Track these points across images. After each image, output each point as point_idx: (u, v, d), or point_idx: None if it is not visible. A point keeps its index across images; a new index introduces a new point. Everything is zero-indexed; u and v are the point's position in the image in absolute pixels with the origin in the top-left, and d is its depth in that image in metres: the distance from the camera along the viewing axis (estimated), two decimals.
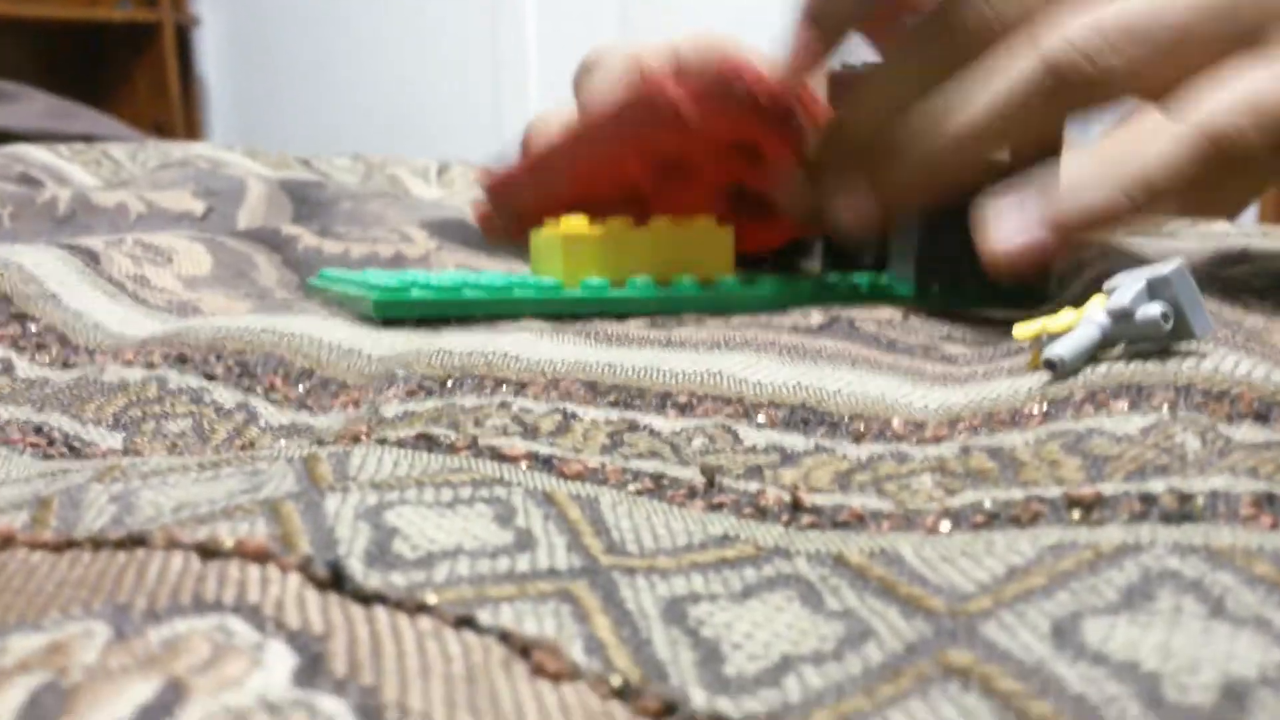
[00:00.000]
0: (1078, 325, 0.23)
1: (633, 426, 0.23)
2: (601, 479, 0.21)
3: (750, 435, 0.23)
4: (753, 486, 0.20)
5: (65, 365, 0.31)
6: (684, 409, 0.24)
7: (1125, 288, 0.23)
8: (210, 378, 0.28)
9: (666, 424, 0.23)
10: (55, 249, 0.38)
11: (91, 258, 0.39)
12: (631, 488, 0.20)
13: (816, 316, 0.32)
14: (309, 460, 0.21)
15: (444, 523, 0.18)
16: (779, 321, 0.32)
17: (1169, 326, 0.22)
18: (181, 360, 0.29)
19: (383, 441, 0.22)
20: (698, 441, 0.22)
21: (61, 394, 0.27)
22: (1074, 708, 0.13)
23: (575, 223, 0.35)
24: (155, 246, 0.41)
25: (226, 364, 0.28)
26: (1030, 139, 0.31)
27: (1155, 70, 0.29)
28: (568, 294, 0.33)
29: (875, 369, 0.26)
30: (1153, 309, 0.22)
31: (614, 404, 0.24)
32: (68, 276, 0.37)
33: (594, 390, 0.25)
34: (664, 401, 0.24)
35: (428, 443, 0.22)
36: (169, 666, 0.14)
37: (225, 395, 0.27)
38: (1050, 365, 0.23)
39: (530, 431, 0.23)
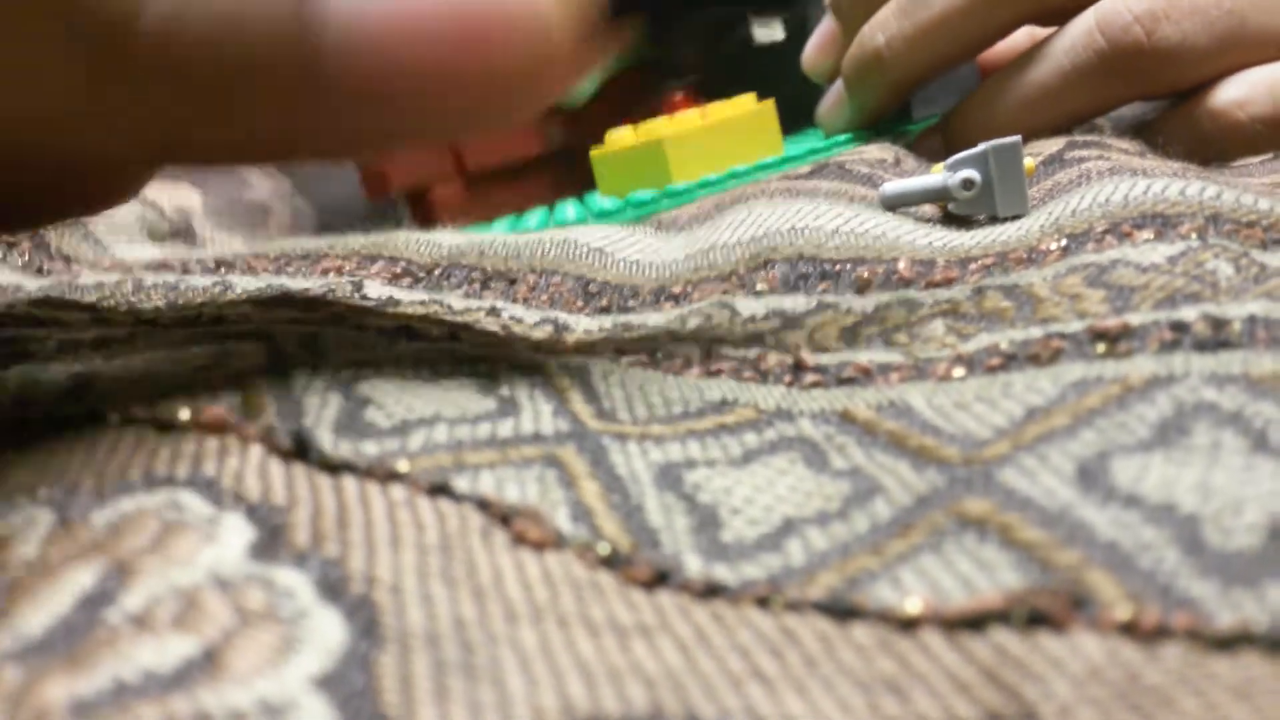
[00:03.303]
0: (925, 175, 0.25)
1: (627, 328, 0.22)
2: (592, 354, 0.19)
3: (749, 306, 0.21)
4: (752, 353, 0.19)
5: (39, 272, 0.29)
6: (679, 298, 0.23)
7: (962, 154, 0.24)
8: (187, 271, 0.27)
9: (661, 317, 0.22)
10: None
11: None
12: (625, 360, 0.19)
13: (805, 167, 0.30)
14: (279, 338, 0.20)
15: (421, 391, 0.17)
16: (768, 178, 0.30)
17: (968, 194, 0.24)
18: (163, 266, 0.27)
19: (359, 328, 0.21)
20: (694, 322, 0.21)
21: (34, 298, 0.26)
22: (1104, 556, 0.12)
23: (659, 126, 0.33)
24: None
25: (206, 265, 0.27)
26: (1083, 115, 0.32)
27: (1208, 55, 0.29)
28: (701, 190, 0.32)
29: (874, 207, 0.25)
30: (956, 175, 0.24)
31: (606, 309, 0.23)
32: None
33: (587, 292, 0.24)
34: (658, 296, 0.23)
35: (408, 333, 0.21)
36: (113, 550, 0.12)
37: (201, 280, 0.26)
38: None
39: (519, 337, 0.21)
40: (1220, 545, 0.12)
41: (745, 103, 0.35)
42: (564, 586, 0.12)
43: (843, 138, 0.36)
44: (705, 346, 0.19)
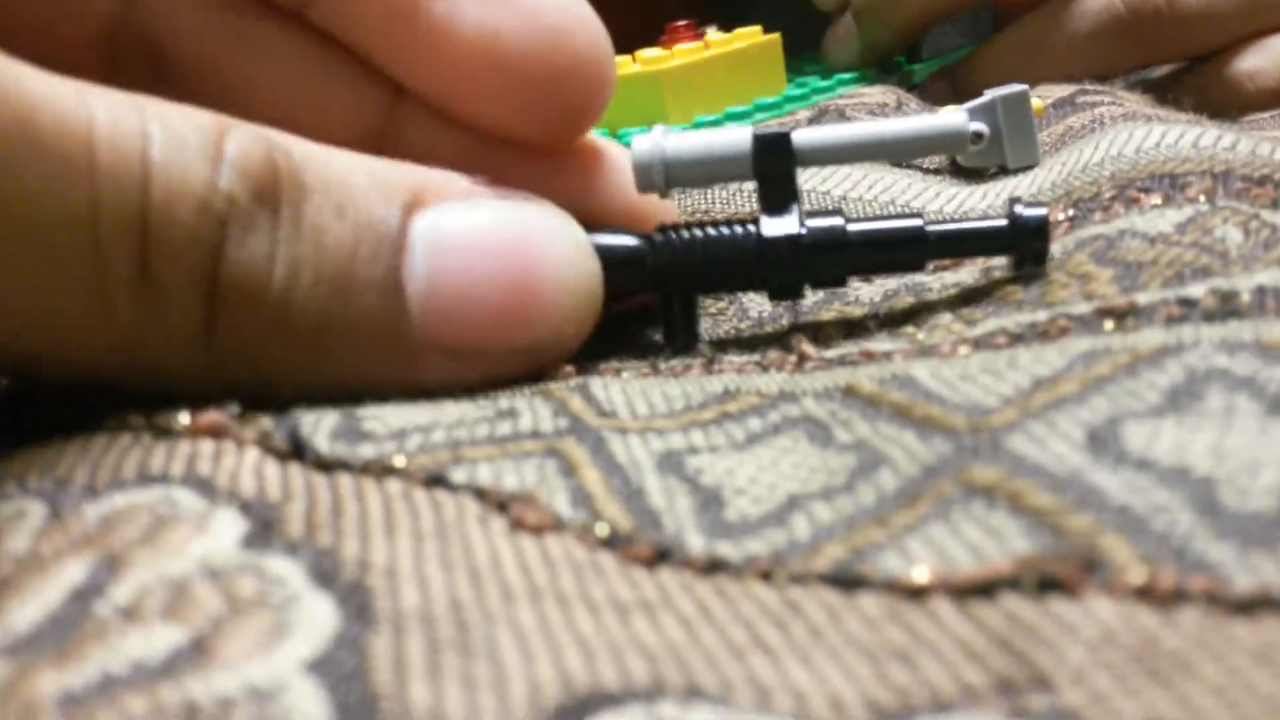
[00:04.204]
0: None
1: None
2: (592, 373, 0.19)
3: (755, 301, 0.21)
4: (755, 356, 0.19)
5: None
6: None
7: (970, 104, 0.24)
8: None
9: None
10: None
11: None
12: (625, 374, 0.19)
13: (803, 113, 0.30)
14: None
15: (418, 407, 0.16)
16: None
17: (977, 147, 0.23)
18: None
19: None
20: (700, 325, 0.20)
21: None
22: (1117, 520, 0.12)
23: (658, 58, 0.32)
24: None
25: None
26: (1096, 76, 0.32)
27: (1227, 22, 0.29)
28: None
29: (878, 164, 0.24)
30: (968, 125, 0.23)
31: None
32: None
33: None
34: None
35: None
36: (105, 543, 0.12)
37: None
38: None
39: None
40: (1237, 507, 0.11)
41: (749, 35, 0.34)
42: (563, 567, 0.12)
43: (848, 75, 0.35)
44: (709, 354, 0.18)
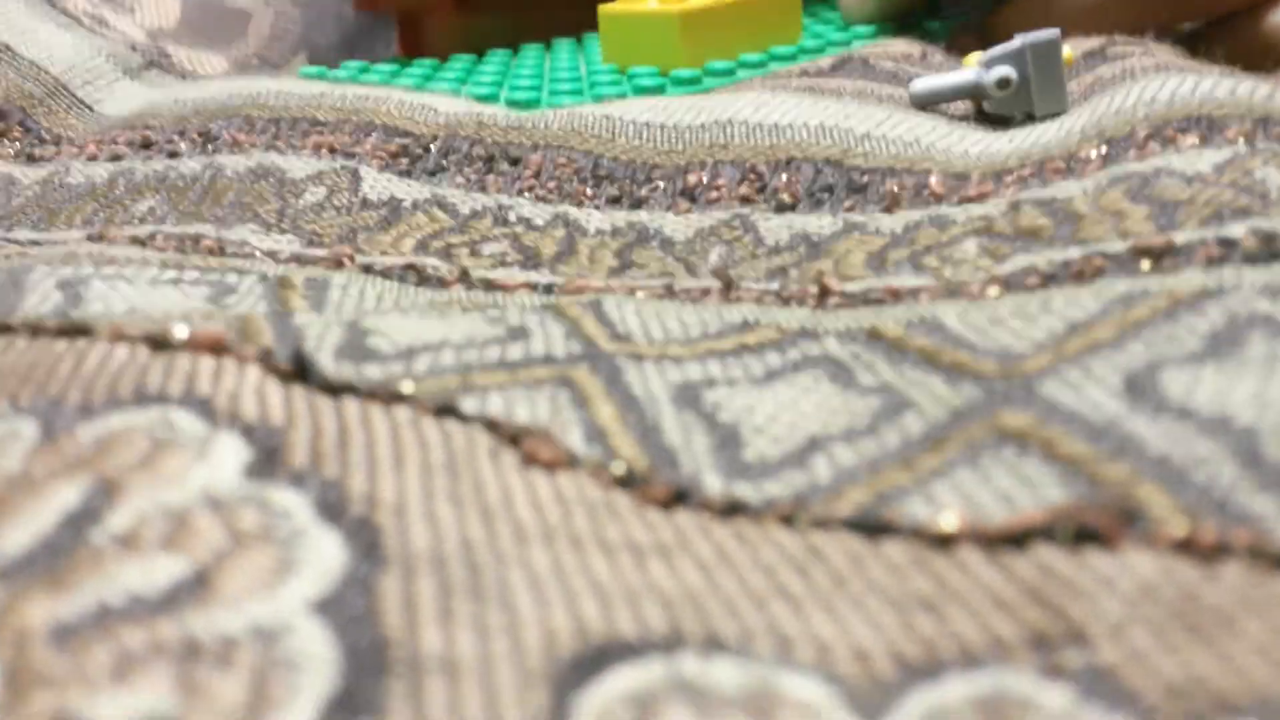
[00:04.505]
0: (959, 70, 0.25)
1: (642, 236, 0.21)
2: (604, 291, 0.18)
3: (771, 228, 0.20)
4: (774, 284, 0.18)
5: (31, 160, 0.28)
6: (695, 195, 0.22)
7: (998, 49, 0.23)
8: (174, 155, 0.26)
9: (679, 225, 0.21)
10: None
11: None
12: (641, 294, 0.18)
13: (825, 61, 0.29)
14: (282, 284, 0.19)
15: (426, 323, 0.16)
16: (785, 70, 0.29)
17: (1004, 94, 0.23)
18: (146, 145, 0.26)
19: (367, 269, 0.20)
20: (715, 254, 0.20)
21: (29, 207, 0.25)
22: (1156, 470, 0.11)
23: None
24: None
25: (190, 137, 0.26)
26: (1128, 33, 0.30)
27: None
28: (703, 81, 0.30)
29: (904, 109, 0.23)
30: (992, 73, 0.23)
31: (618, 199, 0.22)
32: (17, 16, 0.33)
33: (596, 174, 0.23)
34: (674, 184, 0.22)
35: (416, 275, 0.20)
36: (99, 466, 0.12)
37: (191, 165, 0.25)
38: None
39: (530, 259, 0.20)
40: None
41: None
42: (577, 507, 0.12)
43: (866, 29, 0.34)
44: (725, 279, 0.18)
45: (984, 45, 0.32)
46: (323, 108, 0.27)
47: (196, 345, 0.14)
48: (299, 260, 0.21)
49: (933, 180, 0.20)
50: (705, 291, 0.18)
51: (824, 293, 0.17)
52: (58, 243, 0.23)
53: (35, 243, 0.23)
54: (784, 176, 0.21)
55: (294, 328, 0.15)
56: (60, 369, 0.14)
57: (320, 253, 0.21)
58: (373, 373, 0.14)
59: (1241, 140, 0.17)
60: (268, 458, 0.12)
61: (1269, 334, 0.13)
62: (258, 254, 0.21)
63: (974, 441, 0.12)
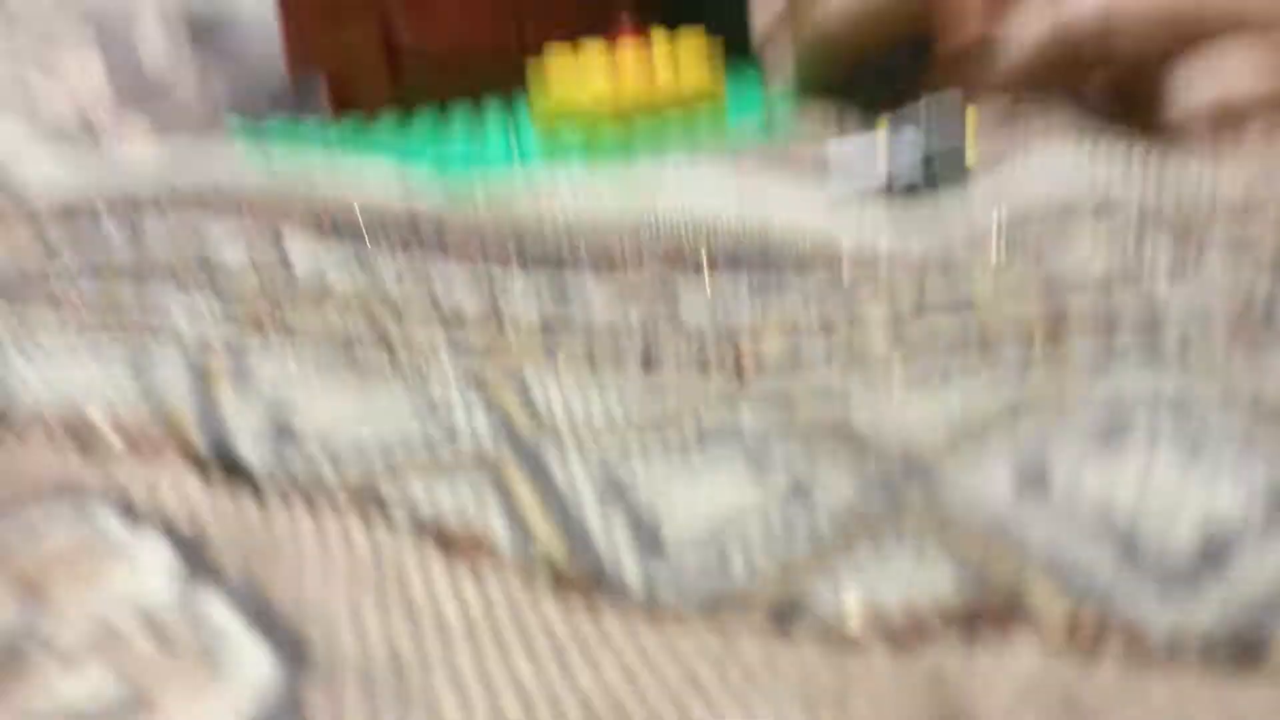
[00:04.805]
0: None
1: (567, 320, 0.21)
2: (528, 355, 0.19)
3: (692, 307, 0.21)
4: (695, 355, 0.19)
5: None
6: (614, 265, 0.22)
7: (904, 109, 0.25)
8: (95, 218, 0.26)
9: (601, 297, 0.21)
10: None
11: None
12: (562, 357, 0.18)
13: (749, 142, 0.30)
14: (203, 353, 0.19)
15: (347, 399, 0.16)
16: (708, 149, 0.30)
17: (911, 149, 0.24)
18: (68, 214, 0.26)
19: (288, 332, 0.20)
20: (635, 318, 0.20)
21: None
22: (1042, 561, 0.12)
23: (598, 57, 0.31)
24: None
25: (116, 211, 0.26)
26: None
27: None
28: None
29: (820, 179, 0.24)
30: (900, 134, 0.24)
31: (540, 261, 0.22)
32: None
33: (521, 243, 0.23)
34: (598, 253, 0.22)
35: (339, 339, 0.20)
36: (26, 571, 0.12)
37: (111, 226, 0.25)
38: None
39: (453, 322, 0.21)
40: (1157, 551, 0.12)
41: (690, 45, 0.33)
42: (500, 601, 0.12)
43: (785, 94, 0.35)
44: (646, 348, 0.18)
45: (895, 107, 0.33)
46: (250, 186, 0.27)
47: (118, 432, 0.14)
48: (218, 319, 0.21)
49: (845, 261, 0.21)
50: (626, 359, 0.19)
51: (740, 367, 0.18)
52: None
53: None
54: (704, 251, 0.22)
55: (216, 415, 0.16)
56: None
57: (240, 313, 0.21)
58: (296, 463, 0.14)
59: (1132, 232, 0.18)
60: (194, 562, 0.12)
61: (1152, 425, 0.14)
62: (176, 313, 0.21)
63: (877, 531, 0.13)
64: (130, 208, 0.26)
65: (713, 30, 0.34)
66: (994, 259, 0.20)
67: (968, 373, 0.16)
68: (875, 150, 0.25)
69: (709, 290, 0.21)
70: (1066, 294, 0.18)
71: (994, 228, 0.21)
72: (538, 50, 0.32)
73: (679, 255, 0.22)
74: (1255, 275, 0.17)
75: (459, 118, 0.33)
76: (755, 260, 0.21)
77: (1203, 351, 0.15)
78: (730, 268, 0.21)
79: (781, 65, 0.36)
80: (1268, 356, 0.15)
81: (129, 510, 0.13)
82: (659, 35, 0.33)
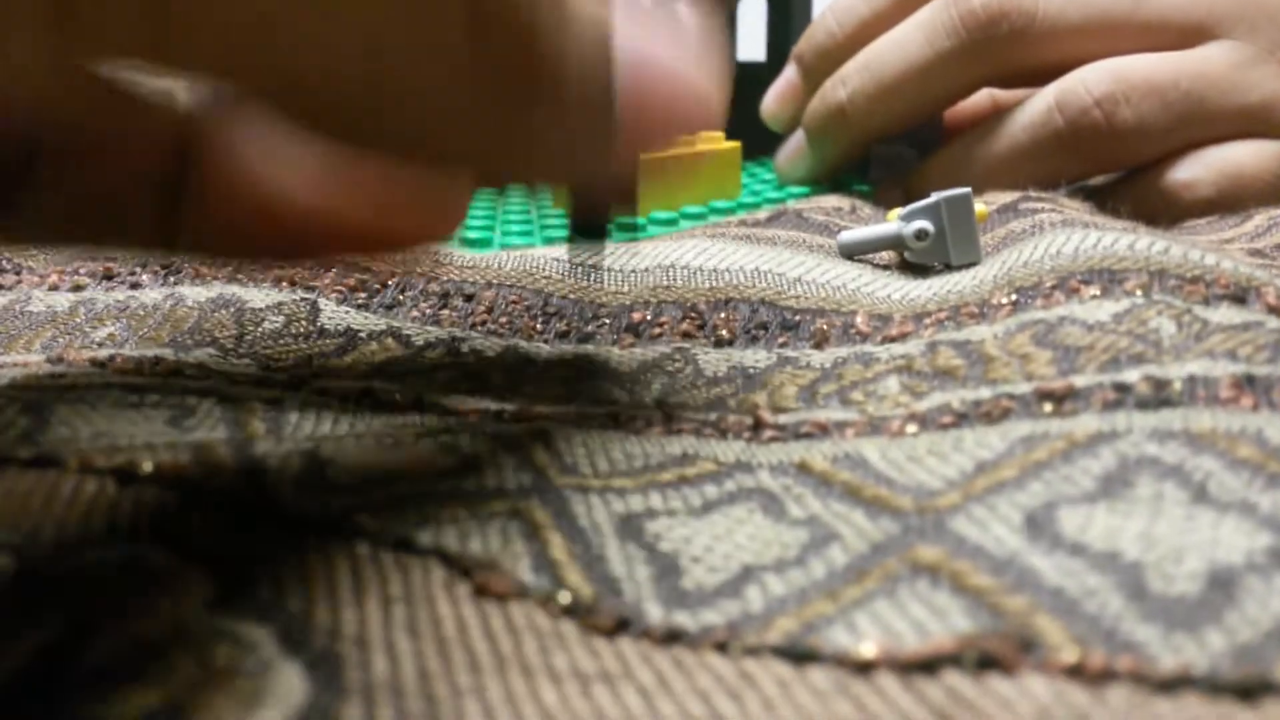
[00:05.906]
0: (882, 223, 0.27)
1: (590, 369, 0.22)
2: (554, 421, 0.19)
3: (710, 361, 0.22)
4: (713, 415, 0.19)
5: None
6: (639, 331, 0.23)
7: (917, 204, 0.26)
8: (136, 286, 0.27)
9: (623, 358, 0.22)
10: None
11: None
12: (587, 423, 0.19)
13: (762, 213, 0.31)
14: (241, 410, 0.20)
15: (383, 454, 0.17)
16: (724, 220, 0.31)
17: (922, 244, 0.25)
18: (108, 276, 0.27)
19: (322, 392, 0.21)
20: (657, 384, 0.21)
21: None
22: (1051, 601, 0.12)
23: None
24: None
25: (153, 269, 0.27)
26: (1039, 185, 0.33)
27: (1164, 136, 0.30)
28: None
29: (833, 257, 0.25)
30: (911, 225, 0.25)
31: (565, 333, 0.23)
32: None
33: (546, 311, 0.24)
34: (620, 321, 0.23)
35: (371, 400, 0.21)
36: (76, 603, 0.13)
37: (152, 295, 0.26)
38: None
39: (481, 387, 0.21)
40: (1162, 591, 0.12)
41: (712, 140, 0.35)
42: (527, 636, 0.13)
43: (800, 190, 0.37)
44: (667, 410, 0.19)
45: (906, 201, 0.34)
46: None
47: (162, 478, 0.15)
48: (255, 382, 0.22)
49: (858, 320, 0.21)
50: (648, 423, 0.19)
51: (758, 425, 0.18)
52: (16, 365, 0.24)
53: None
54: (722, 315, 0.22)
55: (255, 459, 0.16)
56: (32, 503, 0.14)
57: (277, 375, 0.22)
58: (332, 503, 0.15)
59: (1139, 291, 0.19)
60: (234, 592, 0.13)
61: (1156, 475, 0.14)
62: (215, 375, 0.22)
63: (892, 574, 0.13)
64: (169, 272, 0.27)
65: (731, 134, 0.36)
66: (1004, 304, 0.20)
67: (978, 427, 0.16)
68: (886, 238, 0.26)
69: (727, 355, 0.21)
70: (1074, 338, 0.18)
71: (1003, 278, 0.21)
72: None
73: (698, 321, 0.23)
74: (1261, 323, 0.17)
75: (481, 198, 0.34)
76: (772, 319, 0.22)
77: (1207, 395, 0.16)
78: (747, 329, 0.22)
79: (797, 165, 0.37)
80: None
81: (175, 549, 0.14)
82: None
